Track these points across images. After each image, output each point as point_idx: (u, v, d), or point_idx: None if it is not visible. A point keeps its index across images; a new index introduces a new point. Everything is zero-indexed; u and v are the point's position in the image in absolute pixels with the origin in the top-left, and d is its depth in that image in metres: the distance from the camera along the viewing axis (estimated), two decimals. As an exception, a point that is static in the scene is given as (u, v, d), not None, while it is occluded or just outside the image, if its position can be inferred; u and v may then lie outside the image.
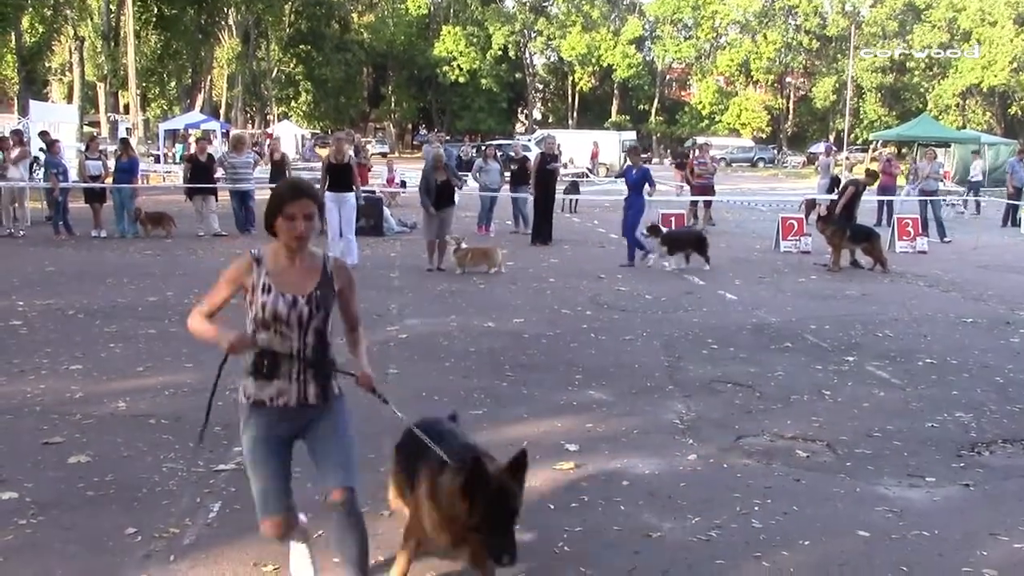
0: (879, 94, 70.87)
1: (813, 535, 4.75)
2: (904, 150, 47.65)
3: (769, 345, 9.25)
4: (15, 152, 18.20)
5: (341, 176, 13.89)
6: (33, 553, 4.35)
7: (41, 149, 20.68)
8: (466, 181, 20.03)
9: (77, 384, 7.23)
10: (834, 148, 34.15)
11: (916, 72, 68.74)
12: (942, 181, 24.89)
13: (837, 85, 69.39)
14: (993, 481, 5.61)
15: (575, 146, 41.51)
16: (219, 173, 19.19)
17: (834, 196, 22.05)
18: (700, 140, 41.21)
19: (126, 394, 6.94)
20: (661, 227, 15.14)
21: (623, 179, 15.69)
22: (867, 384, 7.80)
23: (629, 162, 15.95)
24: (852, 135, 61.16)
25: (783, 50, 75.06)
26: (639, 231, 15.04)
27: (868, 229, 15.46)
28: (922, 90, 68.88)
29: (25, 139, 20.45)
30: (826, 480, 5.55)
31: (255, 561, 4.31)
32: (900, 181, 24.45)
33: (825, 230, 15.05)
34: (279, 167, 20.13)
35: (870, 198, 24.14)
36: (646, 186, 14.86)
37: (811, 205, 21.43)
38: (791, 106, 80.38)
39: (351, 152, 15.38)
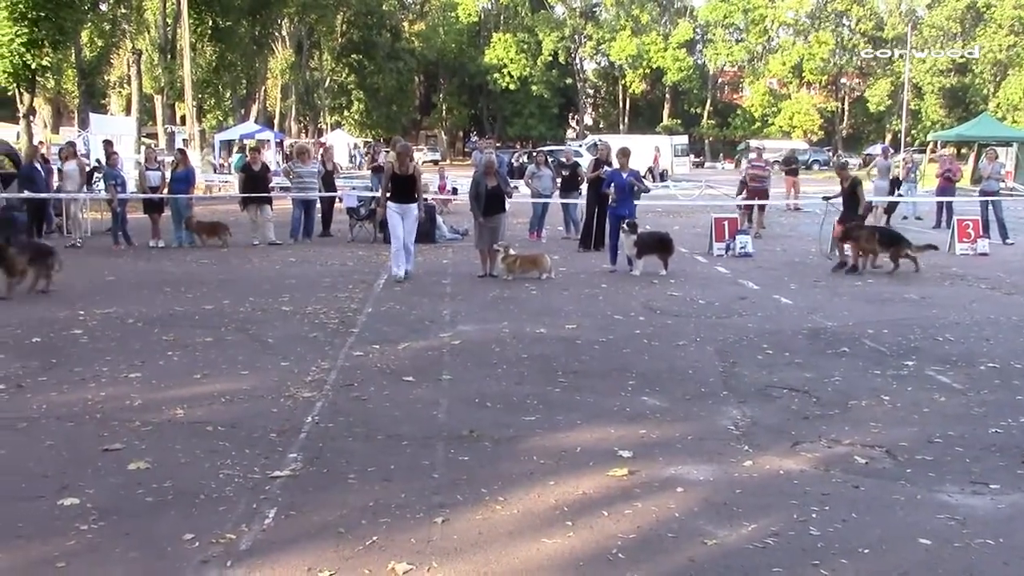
0: (939, 96, 69.47)
1: (872, 543, 4.65)
2: (964, 150, 46.70)
3: (825, 350, 9.11)
4: (69, 164, 18.51)
5: (405, 187, 13.70)
6: (94, 558, 4.42)
7: (98, 160, 21.08)
8: (517, 188, 20.02)
9: (136, 391, 7.34)
10: (891, 150, 33.55)
11: (978, 73, 67.12)
12: (1003, 181, 24.34)
13: (893, 88, 68.22)
14: (1060, 488, 5.46)
15: (637, 151, 41.06)
16: (279, 182, 19.30)
17: (893, 198, 21.82)
18: (753, 144, 40.71)
19: (183, 401, 7.03)
20: (637, 225, 14.47)
21: (611, 183, 14.90)
22: (927, 389, 7.64)
23: (616, 164, 15.34)
24: (910, 136, 60.01)
25: (837, 51, 74.09)
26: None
27: (897, 235, 15.16)
28: (985, 92, 67.30)
29: (81, 151, 20.84)
30: (886, 487, 5.43)
31: (310, 567, 4.33)
32: (964, 183, 23.78)
33: (855, 236, 14.64)
34: (330, 176, 20.36)
35: (929, 198, 23.80)
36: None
37: (869, 208, 21.05)
38: (846, 107, 79.30)
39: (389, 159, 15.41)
